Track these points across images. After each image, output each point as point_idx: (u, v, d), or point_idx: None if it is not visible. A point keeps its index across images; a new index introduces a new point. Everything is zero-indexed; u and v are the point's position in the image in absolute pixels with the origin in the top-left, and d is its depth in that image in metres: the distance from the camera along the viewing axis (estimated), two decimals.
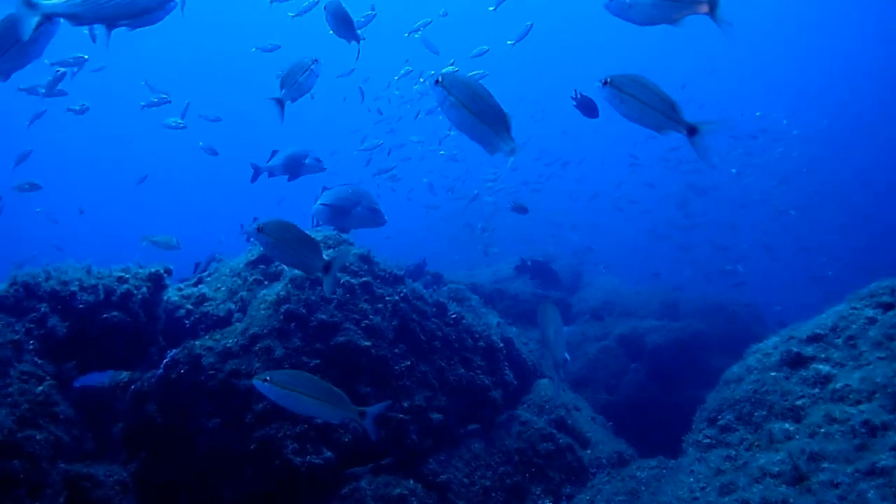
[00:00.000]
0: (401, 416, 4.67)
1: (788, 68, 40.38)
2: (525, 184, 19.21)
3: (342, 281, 4.86)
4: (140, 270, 4.50)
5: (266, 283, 5.09)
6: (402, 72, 13.57)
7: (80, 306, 3.90)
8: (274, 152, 6.54)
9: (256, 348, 4.39)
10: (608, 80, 2.95)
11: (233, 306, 4.89)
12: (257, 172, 6.50)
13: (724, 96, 31.50)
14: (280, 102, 4.40)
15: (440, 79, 2.86)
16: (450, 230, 21.02)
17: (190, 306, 4.93)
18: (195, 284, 5.22)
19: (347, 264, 5.16)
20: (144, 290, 4.38)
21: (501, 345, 5.70)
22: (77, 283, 3.94)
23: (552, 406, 6.73)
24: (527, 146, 3.02)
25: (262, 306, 4.66)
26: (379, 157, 14.99)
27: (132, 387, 4.59)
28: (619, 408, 8.81)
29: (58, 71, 7.53)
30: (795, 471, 2.87)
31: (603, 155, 28.59)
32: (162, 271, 4.54)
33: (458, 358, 5.29)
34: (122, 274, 4.32)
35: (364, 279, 5.02)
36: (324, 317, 4.59)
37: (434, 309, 5.36)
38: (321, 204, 5.74)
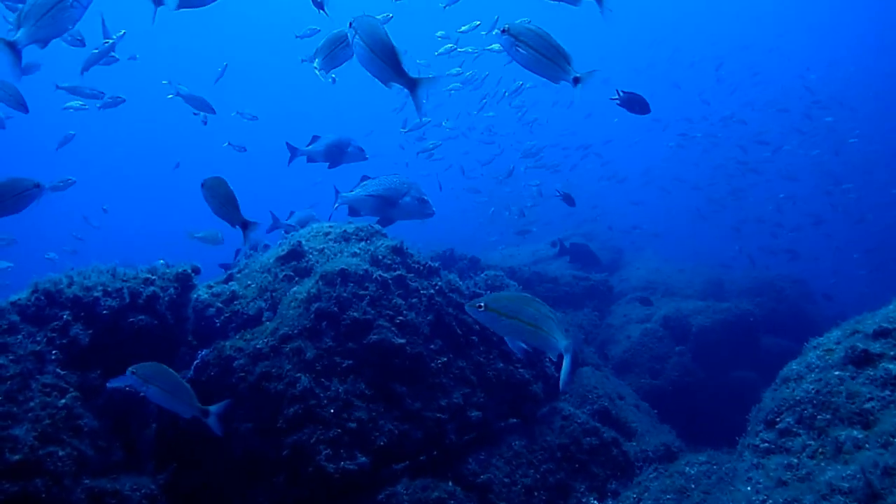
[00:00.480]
0: (438, 415, 4.47)
1: (837, 35, 38.92)
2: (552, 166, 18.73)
3: (374, 276, 4.67)
4: (167, 270, 4.36)
5: (297, 279, 4.91)
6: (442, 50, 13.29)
7: (104, 312, 3.76)
8: (314, 137, 6.33)
9: (287, 349, 4.22)
10: (506, 28, 3.20)
11: (263, 304, 4.72)
12: (294, 154, 6.32)
13: (762, 70, 30.54)
14: (318, 69, 4.68)
15: (352, 22, 3.32)
16: (486, 211, 20.75)
17: (220, 304, 4.78)
18: (225, 281, 5.07)
19: (380, 256, 4.96)
20: (172, 291, 4.23)
21: None
22: (101, 287, 3.79)
23: (595, 396, 6.50)
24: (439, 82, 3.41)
25: (292, 304, 4.49)
26: (409, 140, 14.74)
27: None
28: (664, 393, 8.55)
29: (105, 42, 7.33)
30: (868, 488, 2.59)
31: (631, 137, 27.99)
32: (189, 270, 4.39)
33: (497, 351, 5.07)
34: (149, 275, 4.18)
35: (397, 273, 4.82)
36: (356, 314, 4.40)
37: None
38: (368, 195, 5.51)
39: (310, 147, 6.27)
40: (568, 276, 9.41)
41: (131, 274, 4.15)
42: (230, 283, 4.98)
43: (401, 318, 4.57)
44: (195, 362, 4.36)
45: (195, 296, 4.74)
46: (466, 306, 3.24)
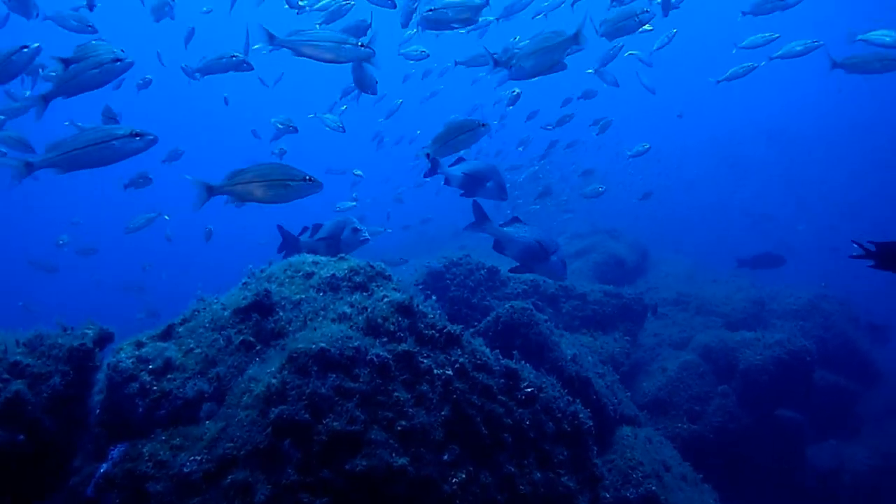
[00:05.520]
0: None
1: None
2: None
3: (370, 356, 3.06)
4: (59, 342, 2.75)
5: (258, 346, 3.29)
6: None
7: None
8: (459, 159, 5.62)
9: (227, 482, 2.62)
10: None
11: (206, 387, 3.11)
12: (434, 169, 5.58)
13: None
14: None
15: None
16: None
17: (147, 377, 3.15)
18: (161, 337, 3.43)
19: (380, 320, 3.34)
20: (57, 380, 2.64)
21: (590, 423, 3.85)
22: None
23: (640, 475, 4.99)
24: None
25: (244, 399, 2.88)
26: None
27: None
28: (704, 440, 7.03)
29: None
30: None
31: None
32: (90, 344, 2.79)
33: (534, 455, 3.49)
34: (20, 358, 2.57)
35: (402, 347, 3.20)
36: (337, 425, 2.79)
37: (502, 381, 3.54)
38: (526, 240, 5.17)
39: (451, 168, 5.63)
40: (598, 291, 7.79)
41: None
42: (167, 343, 3.35)
43: (404, 422, 2.97)
44: (96, 476, 2.78)
45: (115, 359, 3.14)
46: None
